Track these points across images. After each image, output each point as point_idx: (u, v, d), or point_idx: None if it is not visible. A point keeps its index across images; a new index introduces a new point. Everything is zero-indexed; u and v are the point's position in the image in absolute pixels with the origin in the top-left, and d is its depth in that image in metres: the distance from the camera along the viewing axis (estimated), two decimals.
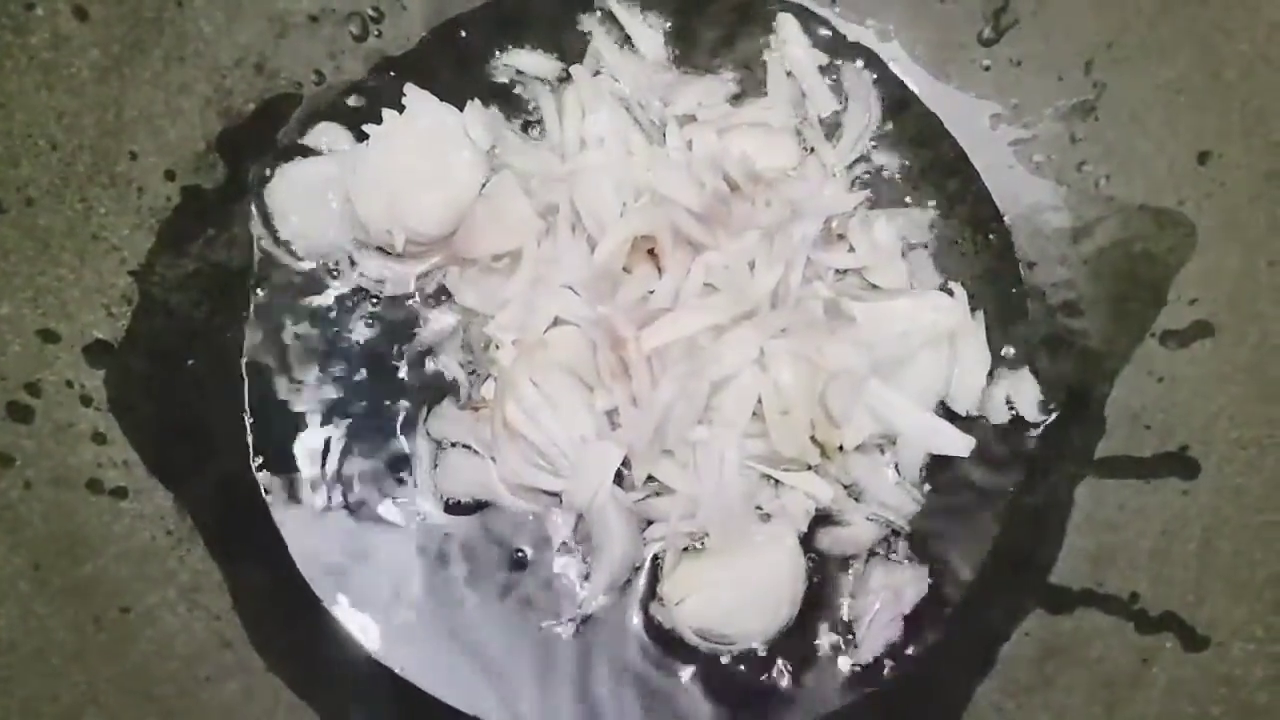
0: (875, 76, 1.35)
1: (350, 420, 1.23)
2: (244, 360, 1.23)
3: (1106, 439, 1.21)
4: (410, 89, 1.23)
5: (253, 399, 1.22)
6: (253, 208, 1.25)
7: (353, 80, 1.31)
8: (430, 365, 1.24)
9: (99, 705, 1.01)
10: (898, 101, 1.34)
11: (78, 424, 1.10)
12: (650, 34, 1.33)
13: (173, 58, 1.18)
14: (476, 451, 1.20)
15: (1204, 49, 1.16)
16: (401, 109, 1.22)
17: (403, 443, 1.22)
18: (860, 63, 1.35)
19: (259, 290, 1.25)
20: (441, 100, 1.25)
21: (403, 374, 1.24)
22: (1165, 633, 1.10)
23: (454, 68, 1.32)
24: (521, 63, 1.32)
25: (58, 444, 1.08)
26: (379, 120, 1.22)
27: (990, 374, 1.25)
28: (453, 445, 1.21)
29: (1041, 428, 1.25)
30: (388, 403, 1.23)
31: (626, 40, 1.34)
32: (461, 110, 1.24)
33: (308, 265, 1.26)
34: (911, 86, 1.35)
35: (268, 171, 1.26)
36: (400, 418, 1.23)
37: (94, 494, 1.09)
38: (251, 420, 1.22)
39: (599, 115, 1.26)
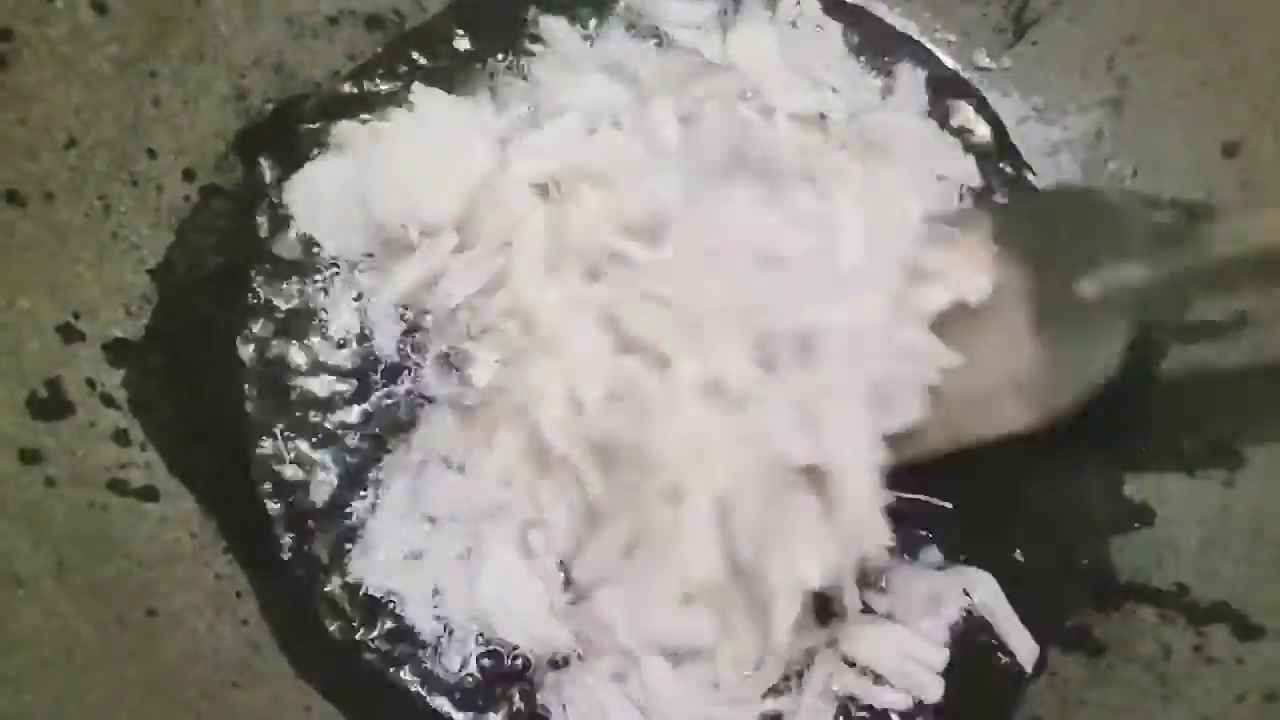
0: (927, 74, 1.32)
1: (357, 422, 1.18)
2: (250, 362, 1.18)
3: (1149, 431, 1.20)
4: (418, 88, 1.22)
5: (257, 402, 1.18)
6: (270, 207, 1.22)
7: (370, 75, 1.28)
8: (439, 368, 1.19)
9: (128, 706, 0.96)
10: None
11: (100, 423, 1.06)
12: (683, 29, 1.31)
13: (191, 56, 1.16)
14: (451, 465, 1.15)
15: (1227, 40, 1.17)
16: (412, 105, 1.21)
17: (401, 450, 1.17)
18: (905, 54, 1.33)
19: (272, 288, 1.21)
20: (453, 89, 1.24)
21: (415, 376, 1.19)
22: (1218, 624, 1.08)
23: (466, 53, 1.29)
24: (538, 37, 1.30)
25: (81, 441, 1.04)
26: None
27: None
28: (433, 458, 1.15)
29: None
30: (390, 404, 1.18)
31: (636, 27, 1.31)
32: (473, 99, 1.24)
33: (323, 263, 1.22)
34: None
35: (285, 171, 1.23)
36: (407, 424, 1.18)
37: (118, 494, 1.06)
38: (254, 421, 1.17)
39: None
